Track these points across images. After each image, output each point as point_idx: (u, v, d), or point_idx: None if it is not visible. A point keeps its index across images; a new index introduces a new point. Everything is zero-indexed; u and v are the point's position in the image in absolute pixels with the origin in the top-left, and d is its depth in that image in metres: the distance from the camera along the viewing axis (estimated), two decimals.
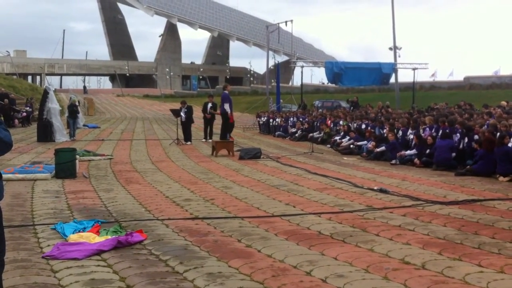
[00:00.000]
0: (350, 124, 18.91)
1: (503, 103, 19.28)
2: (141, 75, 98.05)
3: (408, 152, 13.29)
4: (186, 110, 19.89)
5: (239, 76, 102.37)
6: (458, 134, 12.92)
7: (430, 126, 14.66)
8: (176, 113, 20.11)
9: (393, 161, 13.36)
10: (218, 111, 19.09)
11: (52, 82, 79.79)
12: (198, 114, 21.78)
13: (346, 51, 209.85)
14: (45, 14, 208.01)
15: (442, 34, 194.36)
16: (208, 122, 20.37)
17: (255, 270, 4.90)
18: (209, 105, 20.12)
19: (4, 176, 10.54)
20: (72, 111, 21.93)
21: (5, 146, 3.30)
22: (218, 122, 20.23)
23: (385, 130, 15.69)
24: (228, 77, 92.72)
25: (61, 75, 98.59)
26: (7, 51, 67.83)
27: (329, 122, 21.36)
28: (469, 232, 6.27)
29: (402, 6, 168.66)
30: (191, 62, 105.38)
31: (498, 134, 11.36)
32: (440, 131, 13.31)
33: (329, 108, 31.03)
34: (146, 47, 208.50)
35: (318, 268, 4.93)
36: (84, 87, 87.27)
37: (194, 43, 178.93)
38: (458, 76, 54.55)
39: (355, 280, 4.59)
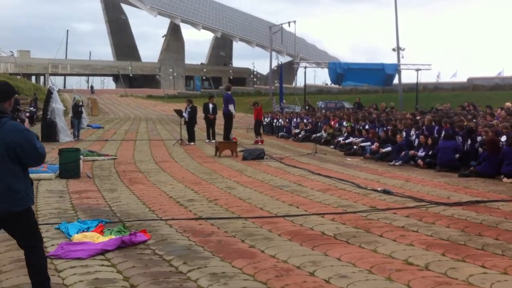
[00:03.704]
0: (353, 125, 18.89)
1: (508, 104, 19.19)
2: (144, 75, 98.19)
3: (420, 153, 13.20)
4: (190, 110, 19.91)
5: (242, 77, 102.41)
6: (460, 137, 12.84)
7: (428, 126, 14.64)
8: (179, 113, 20.13)
9: (392, 162, 13.35)
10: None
11: (56, 82, 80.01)
12: (199, 115, 21.76)
13: (348, 52, 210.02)
14: (48, 14, 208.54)
15: (445, 36, 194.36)
16: (211, 123, 20.38)
17: (258, 270, 4.91)
18: (210, 105, 20.13)
19: None
20: (77, 111, 21.98)
21: (42, 159, 4.00)
22: (220, 122, 20.28)
23: (389, 132, 15.59)
24: (231, 77, 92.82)
25: (65, 75, 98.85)
26: (11, 51, 68.13)
27: (332, 123, 21.35)
28: (473, 233, 6.26)
29: (404, 7, 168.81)
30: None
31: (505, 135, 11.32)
32: (443, 132, 13.28)
33: (332, 109, 31.01)
34: (149, 47, 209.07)
35: (321, 269, 4.93)
36: (91, 87, 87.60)
37: (197, 43, 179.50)
38: (462, 77, 54.45)
39: (358, 281, 4.60)
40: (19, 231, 3.97)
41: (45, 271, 4.07)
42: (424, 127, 14.67)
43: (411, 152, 13.35)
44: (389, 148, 14.25)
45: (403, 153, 13.53)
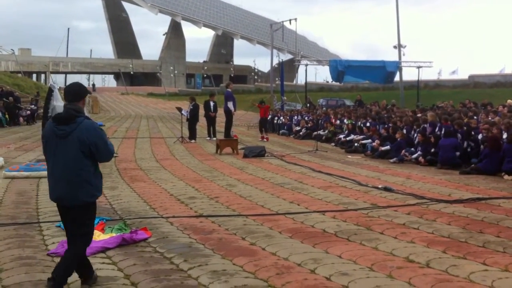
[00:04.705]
0: (354, 122, 18.87)
1: (510, 101, 19.16)
2: (145, 73, 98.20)
3: (414, 155, 13.17)
4: (192, 107, 19.91)
5: (243, 75, 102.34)
6: (459, 135, 12.80)
7: (432, 122, 14.59)
8: (179, 110, 20.14)
9: (392, 160, 13.33)
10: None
11: (57, 80, 79.97)
12: (200, 112, 21.78)
13: (349, 50, 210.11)
14: (49, 12, 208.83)
15: (446, 33, 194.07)
16: (211, 120, 20.40)
17: (259, 267, 4.91)
18: (211, 103, 20.15)
19: (9, 174, 10.60)
20: None
21: (111, 155, 4.37)
22: (221, 120, 20.25)
23: (390, 129, 15.55)
24: (232, 75, 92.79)
25: (66, 73, 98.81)
26: (12, 49, 68.08)
27: (333, 120, 21.32)
28: (474, 230, 6.25)
29: (405, 4, 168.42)
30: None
31: (508, 131, 11.28)
32: (443, 130, 13.24)
33: (334, 107, 30.97)
34: (150, 45, 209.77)
35: (322, 266, 4.93)
36: (93, 85, 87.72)
37: (198, 41, 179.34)
38: (463, 75, 54.44)
39: (359, 278, 4.59)
40: (80, 219, 4.25)
41: (75, 261, 4.27)
42: (427, 124, 14.59)
43: (402, 153, 13.34)
44: (387, 147, 14.23)
45: (403, 151, 13.50)
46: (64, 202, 4.25)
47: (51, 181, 4.30)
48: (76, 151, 4.14)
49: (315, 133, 20.24)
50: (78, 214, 4.24)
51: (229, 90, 18.77)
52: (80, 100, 4.32)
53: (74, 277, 4.70)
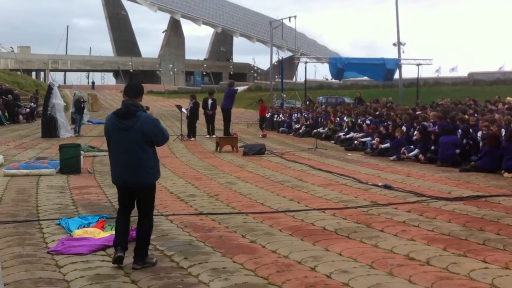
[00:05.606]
0: (354, 120, 18.85)
1: (509, 99, 19.15)
2: (144, 71, 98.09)
3: (412, 153, 13.17)
4: (192, 105, 19.90)
5: (243, 72, 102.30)
6: (459, 131, 12.79)
7: (434, 121, 14.58)
8: (179, 108, 20.15)
9: (392, 158, 13.31)
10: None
11: (56, 78, 79.87)
12: (200, 110, 21.75)
13: (349, 47, 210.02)
14: (48, 10, 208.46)
15: (446, 30, 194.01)
16: (210, 118, 20.38)
17: (259, 265, 4.91)
18: (210, 101, 20.15)
19: (9, 171, 10.59)
20: (79, 107, 22.01)
21: (167, 140, 5.10)
22: (220, 117, 20.23)
23: (389, 127, 15.54)
24: (231, 73, 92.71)
25: (65, 71, 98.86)
26: (11, 47, 68.00)
27: (333, 118, 21.30)
28: (474, 228, 6.25)
29: (404, 1, 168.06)
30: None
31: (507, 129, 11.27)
32: (441, 127, 13.21)
33: (333, 104, 30.91)
34: (149, 43, 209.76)
35: (322, 264, 4.93)
36: (93, 82, 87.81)
37: (198, 39, 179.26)
38: (462, 72, 54.51)
39: (359, 276, 4.59)
40: (146, 198, 4.97)
41: (149, 234, 5.02)
42: (430, 122, 14.56)
43: (402, 150, 13.35)
44: (387, 145, 14.22)
45: (402, 149, 13.49)
46: (129, 185, 4.91)
47: (116, 168, 4.96)
48: (138, 141, 4.81)
49: (315, 130, 20.21)
50: (145, 193, 4.93)
51: (232, 88, 18.77)
52: (138, 97, 5.02)
53: (75, 274, 4.71)
